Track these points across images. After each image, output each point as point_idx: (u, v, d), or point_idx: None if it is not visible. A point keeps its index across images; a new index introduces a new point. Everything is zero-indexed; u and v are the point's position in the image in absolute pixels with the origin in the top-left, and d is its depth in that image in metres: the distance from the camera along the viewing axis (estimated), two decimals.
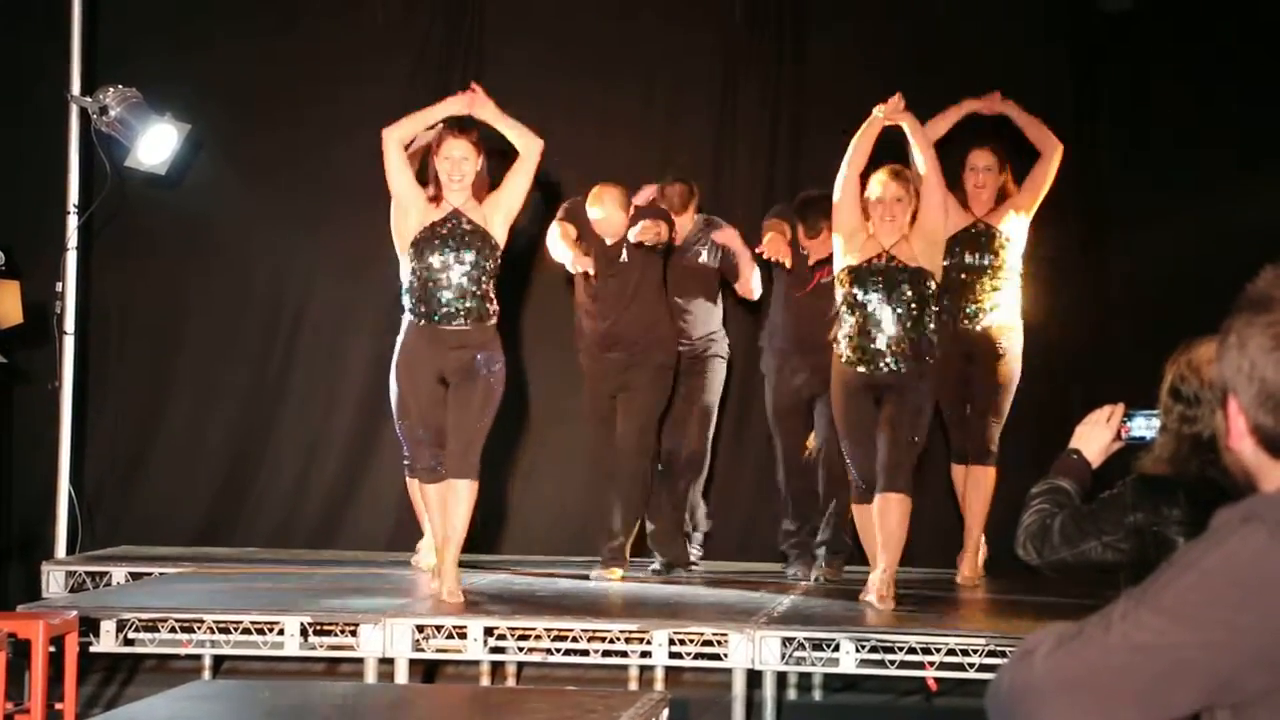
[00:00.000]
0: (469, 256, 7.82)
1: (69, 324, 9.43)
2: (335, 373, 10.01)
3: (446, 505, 7.88)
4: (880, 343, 7.90)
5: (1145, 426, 4.21)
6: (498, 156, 8.17)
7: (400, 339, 7.93)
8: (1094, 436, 4.30)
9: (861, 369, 7.92)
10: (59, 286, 9.40)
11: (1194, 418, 4.03)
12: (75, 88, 9.42)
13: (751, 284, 9.20)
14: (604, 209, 8.77)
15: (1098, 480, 4.29)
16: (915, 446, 7.99)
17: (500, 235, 7.90)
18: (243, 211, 9.93)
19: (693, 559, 9.28)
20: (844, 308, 7.95)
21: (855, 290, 7.89)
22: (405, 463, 8.19)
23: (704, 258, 9.15)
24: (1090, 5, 9.79)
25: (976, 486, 8.74)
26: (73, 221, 9.48)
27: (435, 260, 7.81)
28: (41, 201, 9.66)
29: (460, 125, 8.02)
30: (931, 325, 7.97)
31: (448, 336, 7.82)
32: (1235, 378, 2.24)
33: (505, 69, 9.99)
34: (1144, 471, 4.12)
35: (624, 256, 8.77)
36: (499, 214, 7.91)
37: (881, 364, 7.90)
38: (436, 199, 7.89)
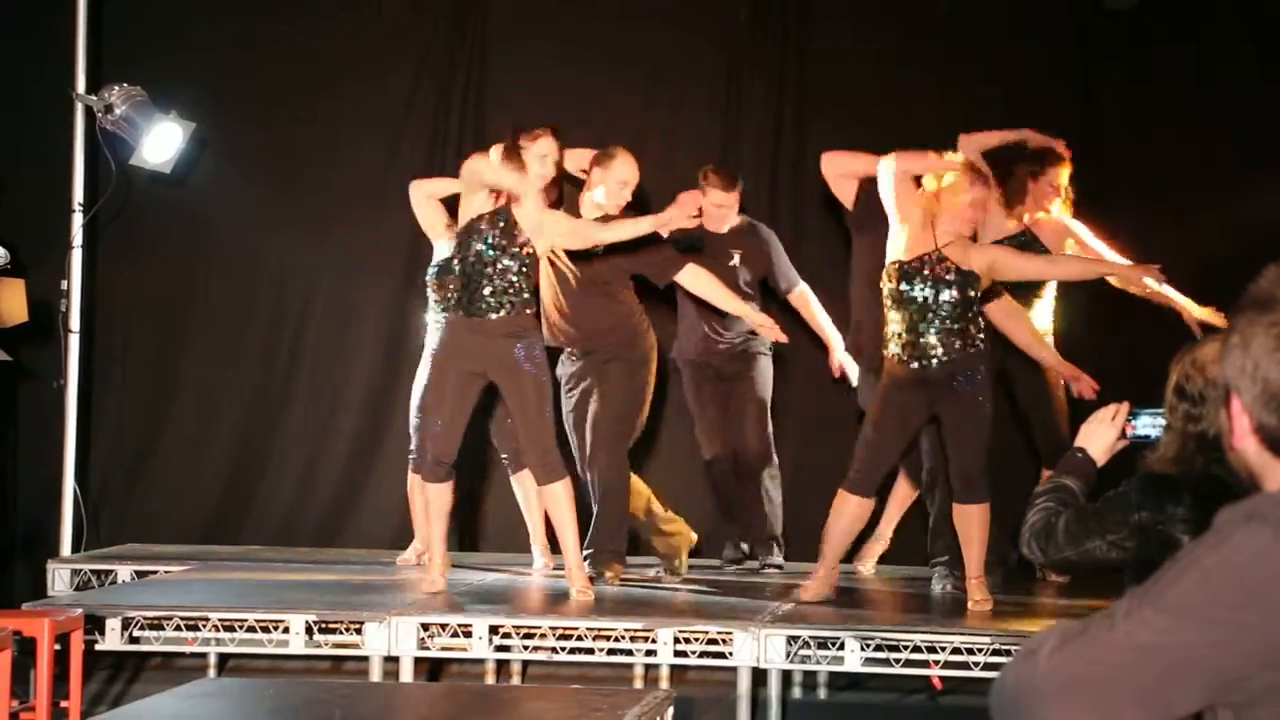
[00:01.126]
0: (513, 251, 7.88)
1: (74, 322, 9.44)
2: (340, 371, 10.02)
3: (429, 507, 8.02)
4: (930, 337, 7.83)
5: (1150, 425, 4.22)
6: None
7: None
8: (1099, 435, 4.30)
9: (915, 365, 7.86)
10: (64, 285, 9.40)
11: (1199, 416, 4.03)
12: (80, 86, 9.43)
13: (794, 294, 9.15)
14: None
15: (1102, 479, 4.29)
16: (984, 448, 7.89)
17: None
18: (248, 210, 9.94)
19: (776, 560, 9.17)
20: (890, 303, 7.88)
21: (903, 286, 7.81)
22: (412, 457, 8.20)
23: (734, 261, 9.04)
24: (1094, 3, 9.78)
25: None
26: (78, 220, 9.48)
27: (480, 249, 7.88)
28: (46, 200, 9.67)
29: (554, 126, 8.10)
30: (980, 322, 7.88)
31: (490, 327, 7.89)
32: (1238, 377, 2.24)
33: (509, 71, 10.01)
34: (1149, 470, 4.12)
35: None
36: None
37: (933, 357, 7.83)
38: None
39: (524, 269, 7.90)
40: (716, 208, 8.91)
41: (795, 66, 10.04)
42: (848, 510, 7.95)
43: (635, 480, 8.74)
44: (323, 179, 9.84)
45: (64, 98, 9.47)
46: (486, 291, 7.85)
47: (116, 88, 9.24)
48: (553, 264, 8.46)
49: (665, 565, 8.85)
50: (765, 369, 9.07)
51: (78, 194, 9.48)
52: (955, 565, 8.37)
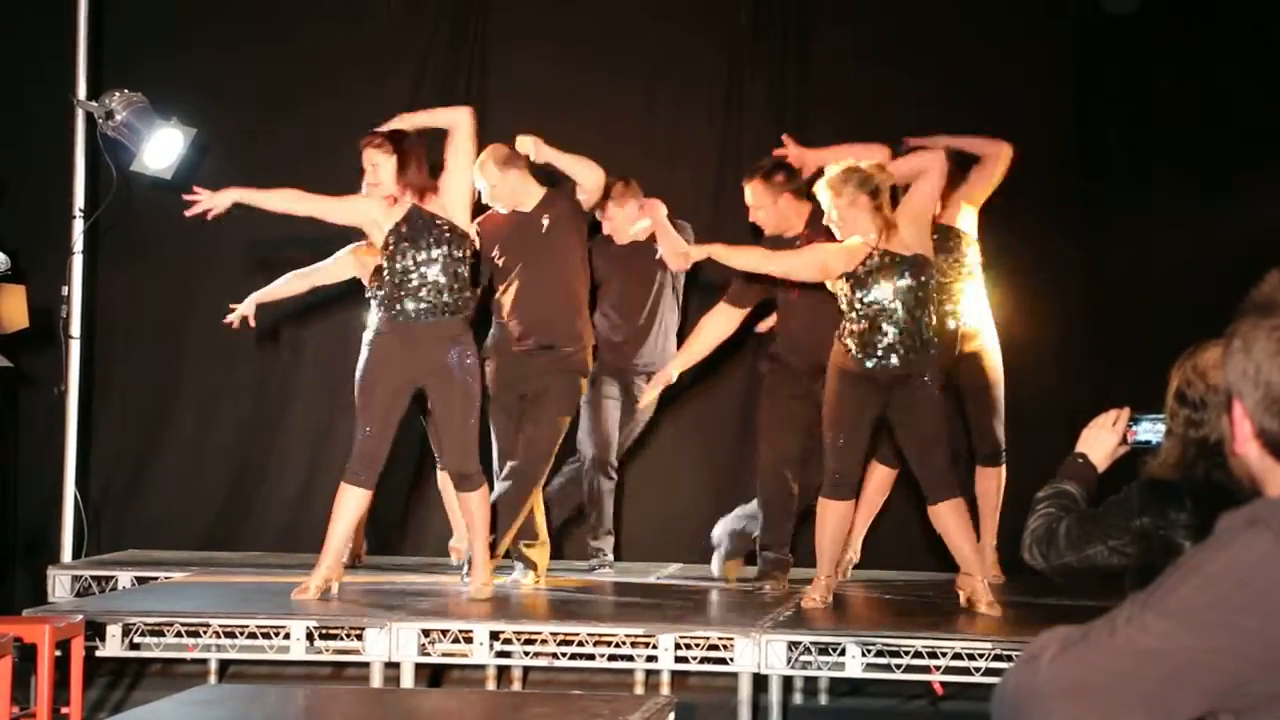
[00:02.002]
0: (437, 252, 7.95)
1: (75, 328, 9.44)
2: (340, 377, 9.95)
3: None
4: (890, 337, 7.83)
5: (1151, 430, 4.21)
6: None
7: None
8: (1100, 440, 4.30)
9: (869, 364, 7.84)
10: (65, 290, 9.40)
11: (1200, 422, 4.03)
12: (81, 92, 9.43)
13: None
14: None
15: (1104, 485, 4.29)
16: (945, 445, 7.93)
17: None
18: (248, 216, 9.91)
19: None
20: (849, 311, 7.86)
21: (858, 294, 7.81)
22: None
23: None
24: (1093, 5, 9.78)
25: (988, 488, 8.74)
26: (78, 225, 9.49)
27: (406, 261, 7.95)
28: (47, 205, 9.67)
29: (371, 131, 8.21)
30: (932, 313, 7.89)
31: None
32: (1240, 382, 2.23)
33: (509, 73, 10.02)
34: (1150, 475, 4.12)
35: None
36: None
37: (892, 358, 7.83)
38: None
39: (454, 273, 7.91)
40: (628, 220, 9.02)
41: (795, 68, 10.04)
42: (833, 516, 7.94)
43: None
44: (324, 184, 9.79)
45: (65, 103, 9.47)
46: (415, 297, 7.88)
47: (117, 93, 9.24)
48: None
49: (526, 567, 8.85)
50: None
51: (78, 200, 9.48)
52: None
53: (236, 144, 9.98)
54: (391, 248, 7.97)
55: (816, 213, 8.05)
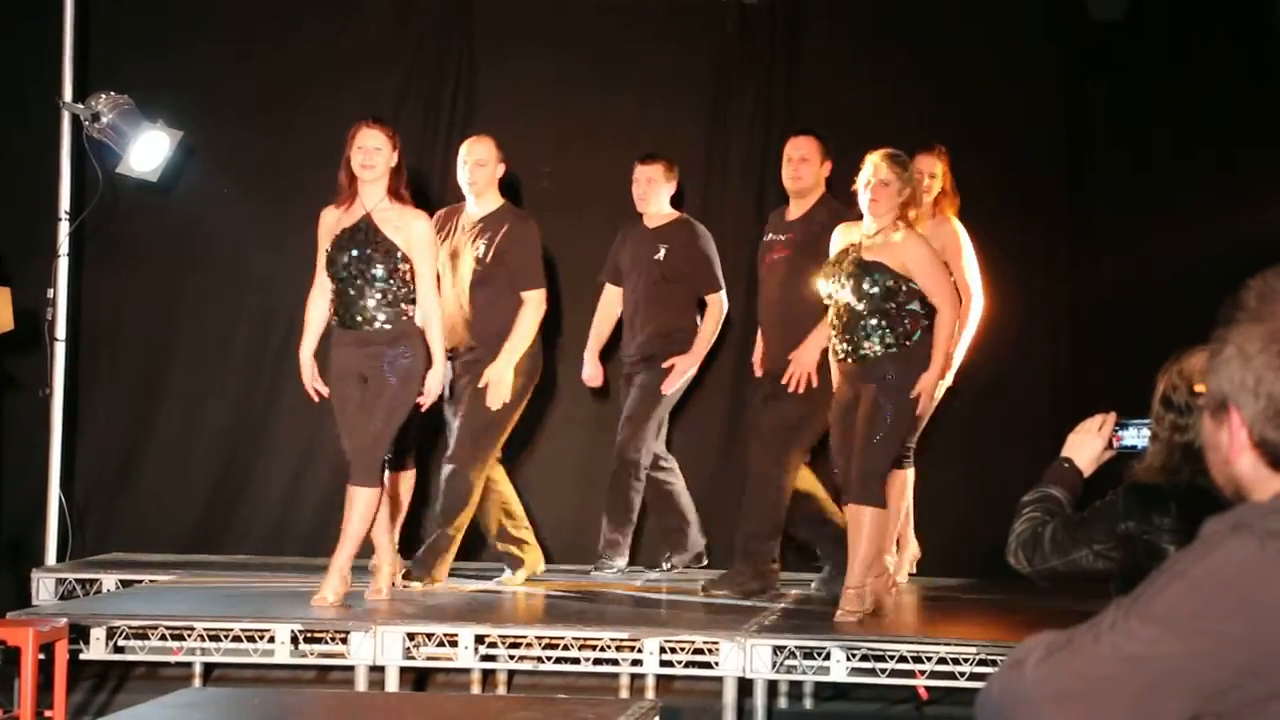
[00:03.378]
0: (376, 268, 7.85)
1: (60, 331, 9.42)
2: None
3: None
4: (853, 334, 7.80)
5: (1137, 435, 4.22)
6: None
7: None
8: (1086, 445, 4.30)
9: (847, 362, 7.84)
10: (50, 293, 9.38)
11: (1185, 426, 4.04)
12: (67, 94, 9.41)
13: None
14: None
15: (1089, 489, 4.29)
16: (880, 447, 7.82)
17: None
18: (235, 219, 9.94)
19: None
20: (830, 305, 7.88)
21: (828, 285, 7.82)
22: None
23: (659, 255, 9.08)
24: (1082, 13, 9.80)
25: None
26: (64, 228, 9.47)
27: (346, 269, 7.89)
28: (33, 208, 9.66)
29: (375, 116, 8.09)
30: (891, 323, 7.81)
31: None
32: (1238, 392, 2.22)
33: (497, 80, 10.02)
34: (1135, 480, 4.12)
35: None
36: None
37: (859, 353, 7.80)
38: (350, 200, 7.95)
39: (396, 276, 7.87)
40: (634, 181, 9.11)
41: (783, 77, 10.05)
42: (865, 521, 7.87)
43: (501, 482, 8.86)
44: (309, 188, 9.78)
45: (51, 106, 9.45)
46: (361, 303, 7.84)
47: (103, 96, 9.23)
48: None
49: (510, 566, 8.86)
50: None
51: (64, 202, 9.47)
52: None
53: (222, 147, 9.97)
54: (332, 252, 7.89)
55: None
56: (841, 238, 7.92)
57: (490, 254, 8.64)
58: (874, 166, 7.73)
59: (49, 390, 9.39)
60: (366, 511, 7.87)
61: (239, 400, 10.07)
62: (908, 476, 8.43)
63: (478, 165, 8.68)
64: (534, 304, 8.64)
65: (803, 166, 8.56)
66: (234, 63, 10.05)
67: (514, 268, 8.61)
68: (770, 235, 8.73)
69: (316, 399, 8.00)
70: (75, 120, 9.39)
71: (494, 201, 8.73)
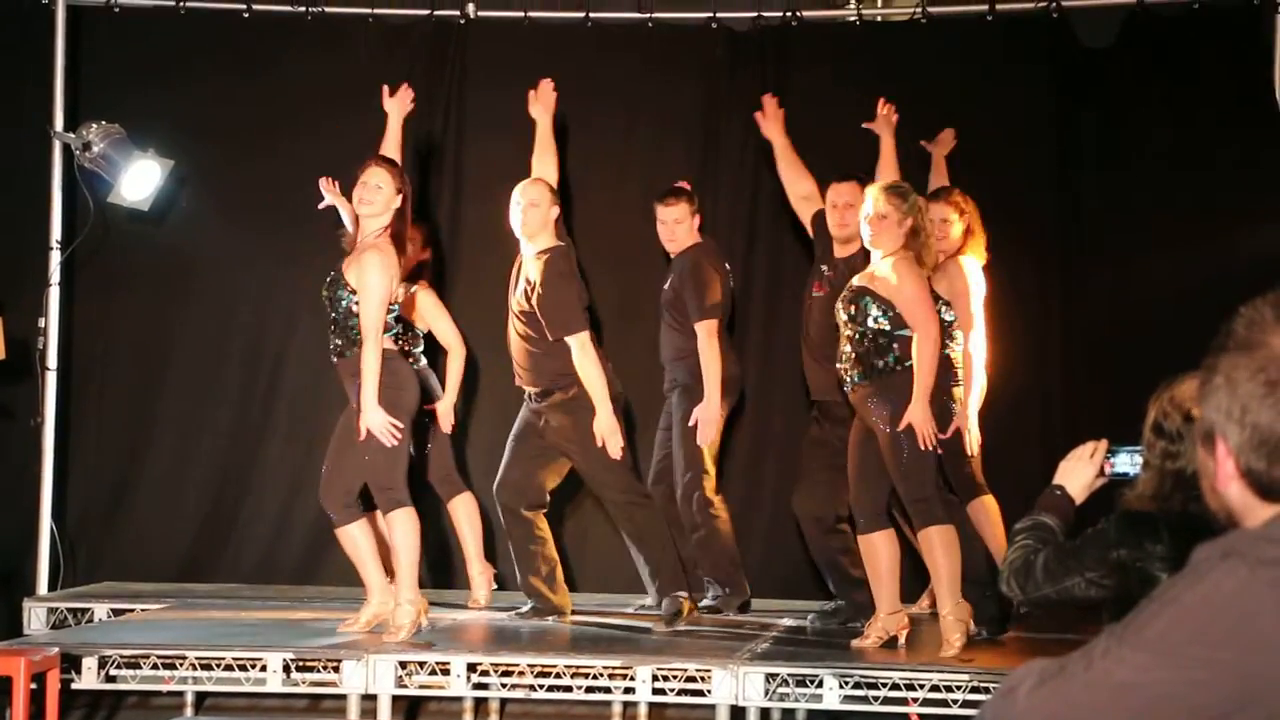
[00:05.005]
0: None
1: (51, 360, 9.43)
2: (318, 408, 9.96)
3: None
4: (844, 359, 7.81)
5: (1129, 463, 4.23)
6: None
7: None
8: (1078, 472, 4.31)
9: (855, 389, 7.84)
10: (41, 322, 9.40)
11: (1177, 454, 4.05)
12: (58, 124, 9.43)
13: None
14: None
15: (1081, 516, 4.30)
16: (913, 473, 7.77)
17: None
18: (226, 248, 9.93)
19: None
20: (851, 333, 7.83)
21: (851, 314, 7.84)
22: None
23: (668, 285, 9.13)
24: (1071, 39, 9.82)
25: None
26: (55, 257, 9.48)
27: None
28: (24, 237, 9.66)
29: (387, 158, 8.12)
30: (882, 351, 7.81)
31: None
32: (1224, 422, 2.22)
33: (487, 107, 10.02)
34: (1127, 507, 4.13)
35: None
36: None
37: (863, 379, 7.79)
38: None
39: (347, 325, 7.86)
40: (660, 223, 9.09)
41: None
42: (879, 549, 7.87)
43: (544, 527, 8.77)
44: (300, 217, 9.80)
45: (42, 135, 9.47)
46: (344, 333, 7.86)
47: (95, 125, 9.24)
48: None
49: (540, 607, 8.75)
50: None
51: (55, 231, 9.48)
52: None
53: (214, 176, 9.97)
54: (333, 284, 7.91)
55: None
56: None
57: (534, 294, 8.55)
58: (871, 200, 7.75)
59: (40, 419, 9.40)
60: (405, 539, 7.80)
61: (230, 429, 10.06)
62: (989, 504, 8.47)
63: (531, 207, 8.62)
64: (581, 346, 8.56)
65: (849, 213, 8.48)
66: (225, 92, 10.05)
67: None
68: (821, 266, 8.71)
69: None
70: (66, 150, 9.40)
71: (547, 242, 8.63)
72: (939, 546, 7.67)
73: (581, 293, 8.58)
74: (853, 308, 7.71)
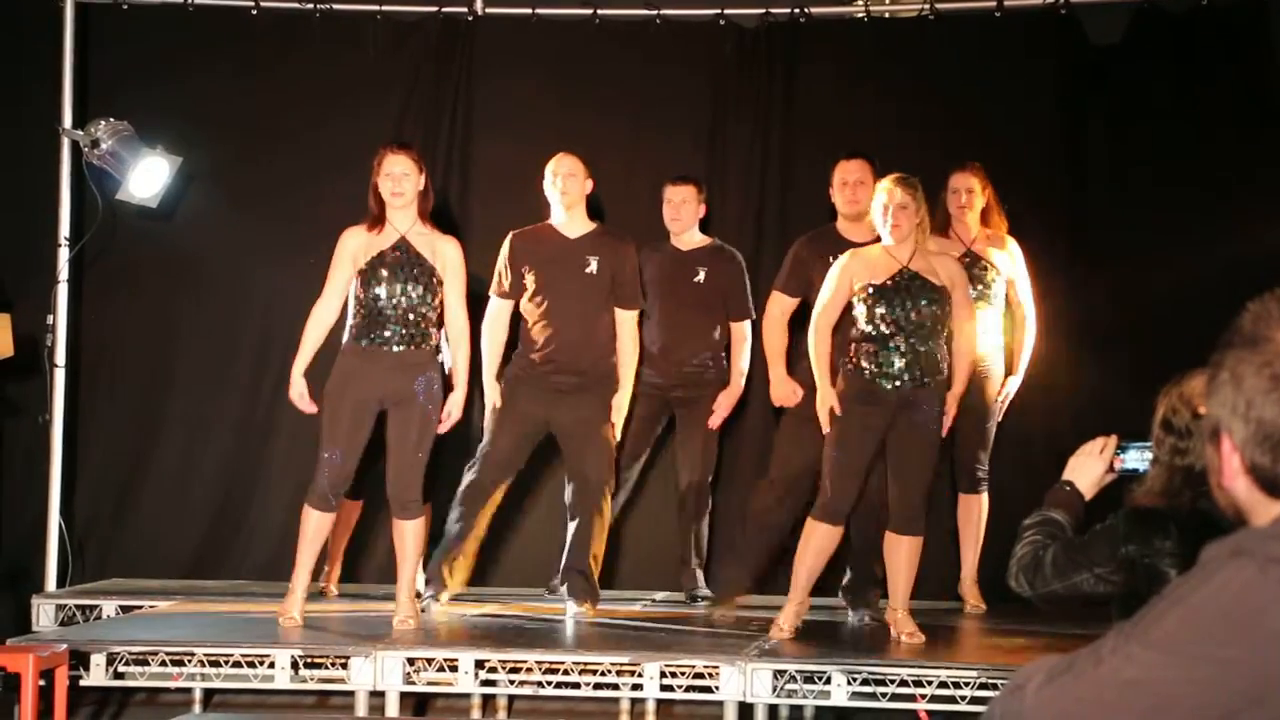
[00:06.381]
0: (415, 290, 7.90)
1: (60, 357, 9.43)
2: (325, 399, 9.98)
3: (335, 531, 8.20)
4: (898, 360, 7.84)
5: (1138, 459, 4.22)
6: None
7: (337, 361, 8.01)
8: (1087, 468, 4.30)
9: (884, 384, 7.82)
10: (50, 319, 9.40)
11: (1186, 450, 4.04)
12: (67, 121, 9.43)
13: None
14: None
15: (1090, 512, 4.29)
16: (928, 482, 7.92)
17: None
18: (234, 244, 9.94)
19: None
20: (867, 326, 7.85)
21: (878, 309, 7.81)
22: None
23: (699, 277, 9.11)
24: (1081, 36, 9.81)
25: (970, 517, 8.80)
26: (64, 254, 9.49)
27: (382, 290, 7.91)
28: (33, 234, 9.66)
29: (400, 142, 8.19)
30: (943, 343, 7.88)
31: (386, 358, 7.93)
32: (1229, 417, 2.22)
33: (495, 104, 10.01)
34: (1136, 503, 4.12)
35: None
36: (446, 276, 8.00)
37: (899, 381, 7.82)
38: (380, 223, 7.97)
39: (431, 300, 7.93)
40: (666, 203, 9.16)
41: (780, 99, 10.05)
42: (816, 539, 7.90)
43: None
44: (309, 213, 9.82)
45: (51, 132, 9.47)
46: (389, 325, 7.86)
47: (103, 122, 9.24)
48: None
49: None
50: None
51: (64, 228, 9.48)
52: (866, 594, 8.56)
53: (222, 173, 9.97)
54: (368, 274, 7.92)
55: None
56: (861, 262, 7.89)
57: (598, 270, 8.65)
58: (888, 192, 7.81)
59: (49, 416, 9.40)
60: (415, 541, 8.06)
61: (239, 425, 10.06)
62: (980, 504, 8.66)
63: (569, 176, 8.63)
64: (634, 322, 8.71)
65: (860, 190, 8.54)
66: (233, 88, 10.06)
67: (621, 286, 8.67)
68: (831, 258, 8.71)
69: (306, 413, 8.02)
70: (75, 147, 9.41)
71: (584, 216, 8.74)
72: (916, 555, 7.92)
73: None
74: (939, 305, 7.82)
